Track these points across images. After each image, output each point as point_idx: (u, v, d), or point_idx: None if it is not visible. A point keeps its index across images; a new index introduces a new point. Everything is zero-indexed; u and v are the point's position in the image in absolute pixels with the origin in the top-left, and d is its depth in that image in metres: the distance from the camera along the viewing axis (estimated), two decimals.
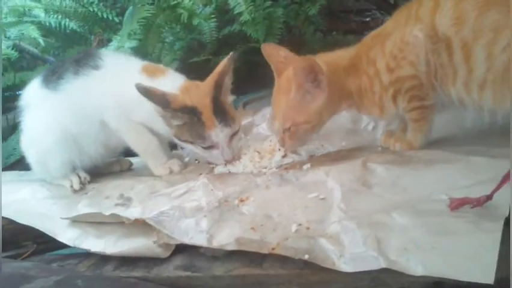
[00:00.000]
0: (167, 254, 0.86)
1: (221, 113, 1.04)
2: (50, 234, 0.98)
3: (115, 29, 1.87)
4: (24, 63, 2.07)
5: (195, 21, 1.62)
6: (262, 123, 1.38)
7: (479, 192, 0.70)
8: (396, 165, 0.88)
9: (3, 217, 0.99)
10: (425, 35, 0.86)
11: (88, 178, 1.19)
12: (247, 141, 1.26)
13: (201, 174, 1.07)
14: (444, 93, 0.89)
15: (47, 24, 1.95)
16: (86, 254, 0.95)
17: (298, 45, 1.75)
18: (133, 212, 0.97)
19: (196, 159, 1.22)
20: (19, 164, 1.44)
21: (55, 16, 1.94)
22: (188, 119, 1.04)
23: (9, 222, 1.03)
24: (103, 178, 1.22)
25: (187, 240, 0.83)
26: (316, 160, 1.03)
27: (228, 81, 1.08)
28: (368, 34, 0.99)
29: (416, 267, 0.63)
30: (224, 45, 1.73)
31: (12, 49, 1.95)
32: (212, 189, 0.95)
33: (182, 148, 1.27)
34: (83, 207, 1.06)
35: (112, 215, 0.93)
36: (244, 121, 1.37)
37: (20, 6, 2.00)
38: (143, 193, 1.03)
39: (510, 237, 0.64)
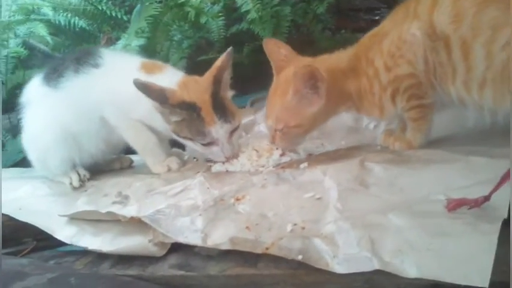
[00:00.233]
0: (162, 252, 0.86)
1: (221, 109, 1.03)
2: (48, 232, 0.98)
3: (124, 27, 1.86)
4: (35, 61, 2.07)
5: (203, 20, 1.61)
6: (263, 122, 1.37)
7: (478, 193, 0.69)
8: (394, 164, 0.87)
9: (3, 214, 0.99)
10: (423, 33, 0.84)
11: (88, 175, 1.19)
12: (247, 139, 1.25)
13: (198, 172, 1.06)
14: (443, 92, 0.87)
15: (57, 22, 1.96)
16: (84, 252, 0.94)
17: (307, 43, 1.74)
18: (130, 210, 0.96)
19: (194, 157, 1.22)
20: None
21: (64, 14, 1.95)
22: (187, 115, 1.03)
23: (9, 219, 1.03)
24: (102, 175, 1.22)
25: (182, 239, 0.82)
26: (314, 159, 1.02)
27: (227, 76, 1.07)
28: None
29: (410, 269, 0.62)
30: (232, 44, 1.71)
31: (22, 47, 1.97)
32: (208, 188, 0.94)
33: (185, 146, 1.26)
34: (82, 204, 1.07)
35: (108, 212, 0.93)
36: (246, 119, 1.36)
37: (28, 4, 2.01)
38: (141, 191, 1.03)
39: (510, 237, 0.62)
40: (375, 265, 0.64)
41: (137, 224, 0.89)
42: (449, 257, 0.61)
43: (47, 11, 1.99)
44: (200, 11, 1.62)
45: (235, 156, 1.07)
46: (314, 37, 1.74)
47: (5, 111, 1.58)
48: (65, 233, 0.97)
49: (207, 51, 1.71)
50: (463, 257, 0.60)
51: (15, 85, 1.78)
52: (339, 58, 0.98)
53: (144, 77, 1.06)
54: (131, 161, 1.31)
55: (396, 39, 0.87)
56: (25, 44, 2.01)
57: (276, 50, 0.98)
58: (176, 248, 0.86)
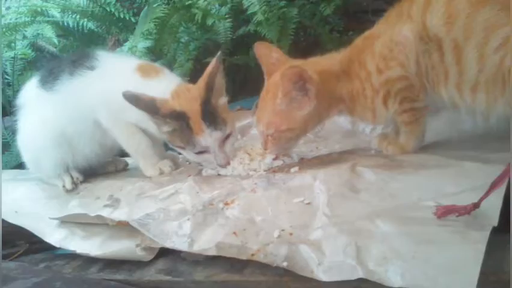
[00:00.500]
0: (150, 257, 0.85)
1: (210, 117, 1.02)
2: (38, 235, 0.98)
3: (132, 29, 1.87)
4: (44, 63, 2.07)
5: (209, 21, 1.61)
6: None
7: (470, 199, 0.67)
8: (385, 169, 0.85)
9: None
10: (416, 35, 0.82)
11: (81, 178, 1.19)
12: (243, 142, 1.24)
13: (189, 175, 1.05)
14: (436, 95, 0.85)
15: (65, 24, 1.98)
16: (75, 255, 0.94)
17: (314, 45, 1.73)
18: (120, 214, 0.96)
19: (187, 161, 1.21)
20: None
21: (73, 16, 1.96)
22: (177, 125, 1.02)
23: (2, 222, 1.03)
24: (95, 178, 1.22)
25: (169, 244, 0.81)
26: (305, 163, 1.00)
27: (220, 81, 1.06)
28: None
29: (395, 278, 0.60)
30: (239, 46, 1.73)
31: (30, 49, 1.98)
32: (197, 192, 0.93)
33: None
34: (73, 207, 1.06)
35: (97, 216, 0.92)
36: (244, 122, 1.35)
37: (36, 6, 2.02)
38: (132, 194, 1.02)
39: (510, 237, 0.61)
40: (360, 273, 0.62)
41: (126, 228, 0.88)
42: (434, 265, 0.59)
43: (55, 12, 2.00)
44: (207, 13, 1.62)
45: (229, 164, 1.05)
46: (321, 39, 1.72)
47: (11, 113, 1.58)
48: (55, 236, 0.97)
49: (213, 53, 1.69)
50: (449, 266, 0.58)
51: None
52: (331, 60, 0.96)
53: (139, 81, 1.07)
54: (126, 164, 1.31)
55: (388, 41, 0.85)
56: (34, 46, 2.02)
57: (267, 53, 0.96)
58: (165, 252, 0.85)
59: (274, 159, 1.03)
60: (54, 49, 2.09)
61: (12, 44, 2.02)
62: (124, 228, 0.89)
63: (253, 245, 0.74)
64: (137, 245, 0.85)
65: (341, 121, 1.18)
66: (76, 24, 1.97)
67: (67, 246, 0.93)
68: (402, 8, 0.86)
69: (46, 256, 1.01)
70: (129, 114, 1.08)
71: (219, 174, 1.05)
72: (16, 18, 2.07)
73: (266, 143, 0.99)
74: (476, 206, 0.65)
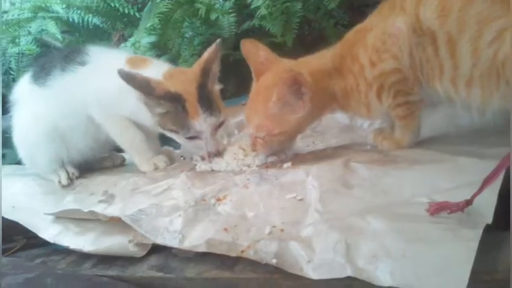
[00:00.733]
0: (142, 253, 0.84)
1: (206, 102, 1.00)
2: (33, 230, 0.98)
3: (137, 24, 1.86)
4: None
5: (213, 16, 1.59)
6: None
7: (464, 196, 0.65)
8: (379, 164, 0.83)
9: None
10: (409, 27, 0.80)
11: (76, 173, 1.18)
12: (240, 137, 1.23)
13: (183, 171, 1.04)
14: (430, 89, 0.82)
15: (70, 19, 1.98)
16: (70, 251, 0.94)
17: (318, 39, 1.71)
18: (114, 209, 0.95)
19: (181, 156, 1.20)
20: None
21: (78, 12, 1.96)
22: (171, 107, 1.00)
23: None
24: (91, 173, 1.21)
25: (160, 240, 0.80)
26: (299, 158, 0.99)
27: (216, 68, 1.05)
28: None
29: (384, 276, 0.58)
30: None
31: (35, 44, 1.98)
32: (189, 188, 0.92)
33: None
34: (68, 203, 1.06)
35: (90, 212, 0.92)
36: (241, 117, 1.33)
37: (41, 2, 2.02)
38: (126, 190, 1.02)
39: (510, 236, 0.60)
40: (348, 271, 0.61)
41: (119, 223, 0.88)
42: (425, 264, 0.57)
43: (58, 8, 2.00)
44: (210, 8, 1.61)
45: (218, 153, 1.04)
46: (326, 33, 1.70)
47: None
48: (49, 231, 0.97)
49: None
50: (439, 265, 0.57)
51: None
52: (322, 58, 0.93)
53: None
54: (124, 159, 1.30)
55: (380, 33, 0.83)
56: (39, 41, 2.02)
57: (254, 52, 0.94)
58: (158, 248, 0.84)
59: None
60: (60, 44, 2.09)
61: (17, 40, 2.02)
62: (117, 223, 0.89)
63: (244, 241, 0.73)
64: (129, 241, 0.85)
65: (338, 116, 1.16)
66: (81, 20, 1.97)
67: (61, 242, 0.93)
68: (395, 1, 0.83)
69: (43, 251, 1.01)
70: (122, 107, 1.08)
71: (212, 170, 1.03)
72: (19, 14, 2.08)
73: (255, 145, 0.98)
74: (468, 202, 0.63)
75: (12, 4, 2.19)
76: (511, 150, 0.62)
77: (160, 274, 0.80)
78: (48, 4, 2.01)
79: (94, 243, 0.89)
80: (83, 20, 1.96)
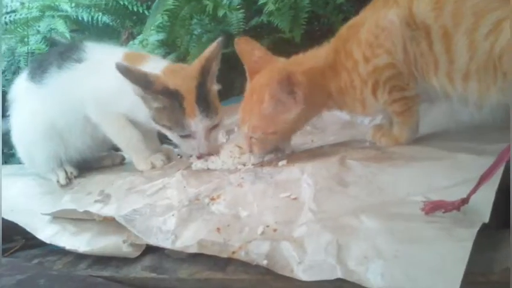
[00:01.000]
0: (136, 254, 0.83)
1: (204, 102, 0.99)
2: (31, 231, 0.97)
3: (146, 22, 1.86)
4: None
5: (220, 13, 1.57)
6: None
7: (461, 194, 0.63)
8: (375, 161, 0.81)
9: None
10: (402, 21, 0.77)
11: (75, 173, 1.18)
12: (239, 135, 1.21)
13: (179, 169, 1.03)
14: (426, 84, 0.80)
15: (80, 18, 1.98)
16: (66, 251, 0.93)
17: (328, 34, 1.68)
18: (109, 209, 0.95)
19: (178, 154, 1.18)
20: None
21: (88, 10, 1.96)
22: (168, 103, 0.99)
23: None
24: (90, 173, 1.21)
25: (153, 240, 0.80)
26: (294, 156, 0.97)
27: (215, 67, 1.03)
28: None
29: (375, 278, 0.56)
30: (252, 37, 1.68)
31: (44, 43, 1.98)
32: (185, 187, 0.91)
33: None
34: (66, 202, 1.06)
35: (85, 212, 0.91)
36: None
37: (49, 1, 2.03)
38: (122, 189, 1.01)
39: (510, 236, 0.57)
40: (338, 273, 0.59)
41: (115, 224, 0.87)
42: (417, 265, 0.55)
43: (67, 7, 2.01)
44: (218, 4, 1.59)
45: (210, 154, 1.03)
46: (335, 28, 1.68)
47: None
48: (46, 232, 0.96)
49: (227, 45, 1.68)
50: (432, 266, 0.55)
51: None
52: (315, 57, 0.91)
53: None
54: (123, 158, 1.29)
55: (373, 27, 0.80)
56: (49, 40, 2.03)
57: (249, 50, 0.91)
58: (152, 249, 0.83)
59: None
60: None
61: (26, 39, 2.03)
62: (112, 224, 0.88)
63: (236, 242, 0.71)
64: (124, 241, 0.84)
65: (339, 113, 1.13)
66: (90, 19, 1.97)
67: (57, 242, 0.93)
68: None
69: (40, 252, 1.01)
70: (119, 104, 1.07)
71: (208, 168, 1.02)
72: (26, 14, 2.09)
73: (250, 146, 0.96)
74: (464, 201, 0.60)
75: (22, 3, 2.20)
76: (511, 143, 0.60)
77: (153, 275, 0.79)
78: (57, 3, 2.01)
79: (89, 244, 0.88)
80: (92, 18, 1.97)
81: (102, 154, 1.27)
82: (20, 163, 1.37)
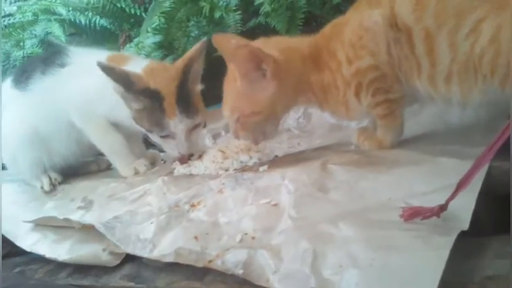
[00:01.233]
0: (116, 262, 0.82)
1: (184, 102, 0.98)
2: (11, 239, 0.96)
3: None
4: None
5: (217, 14, 1.57)
6: None
7: (441, 200, 0.61)
8: (357, 166, 0.79)
9: None
10: (385, 22, 0.75)
11: (59, 179, 1.17)
12: (227, 138, 1.19)
13: (161, 175, 1.01)
14: (410, 87, 0.77)
15: (77, 21, 1.97)
16: (48, 259, 0.92)
17: None
18: (92, 216, 0.93)
19: (162, 159, 1.17)
20: None
21: (85, 13, 1.95)
22: (148, 104, 0.98)
23: None
24: (75, 179, 1.20)
25: (130, 249, 0.78)
26: (276, 161, 0.95)
27: (198, 68, 1.02)
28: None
29: (349, 287, 0.54)
30: (250, 38, 1.67)
31: (39, 47, 1.98)
32: (165, 193, 0.89)
33: None
34: (49, 209, 1.05)
35: (65, 219, 0.90)
36: None
37: (44, 5, 2.02)
38: (104, 196, 1.00)
39: (510, 237, 0.55)
40: (312, 283, 0.57)
41: (96, 231, 0.85)
42: (392, 274, 0.53)
43: (62, 10, 2.00)
44: (214, 6, 1.58)
45: (191, 155, 1.02)
46: None
47: None
48: (28, 239, 0.95)
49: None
50: (406, 275, 0.53)
51: None
52: (299, 42, 0.89)
53: None
54: (110, 163, 1.27)
55: (357, 27, 0.78)
56: (46, 44, 2.02)
57: (226, 41, 0.87)
58: (132, 257, 0.81)
59: (250, 156, 0.97)
60: (67, 46, 2.08)
61: (21, 43, 2.02)
62: (92, 231, 0.86)
63: (213, 250, 0.70)
64: (103, 250, 0.82)
65: (326, 115, 1.12)
66: (88, 22, 1.96)
67: (38, 251, 0.92)
68: None
69: (23, 260, 0.99)
70: (101, 105, 1.05)
71: (191, 174, 1.00)
72: (20, 18, 2.08)
73: (236, 132, 0.93)
74: (443, 208, 0.58)
75: (19, 7, 2.19)
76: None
77: (131, 284, 0.77)
78: (53, 7, 2.01)
79: (69, 252, 0.87)
80: (90, 21, 1.96)
81: (88, 159, 1.26)
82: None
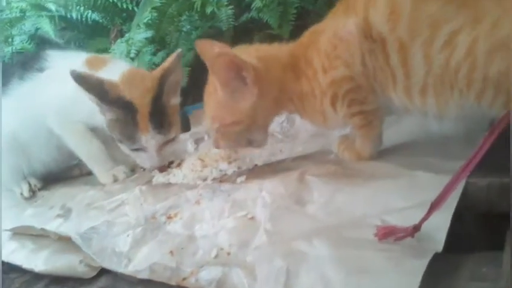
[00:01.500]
0: (92, 274, 0.80)
1: (158, 117, 0.96)
2: None
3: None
4: None
5: (208, 9, 1.54)
6: None
7: (416, 217, 0.60)
8: (334, 179, 0.78)
9: None
10: (360, 31, 0.73)
11: (39, 185, 1.15)
12: (209, 143, 1.17)
13: (139, 184, 1.00)
14: (386, 98, 0.76)
15: (68, 16, 1.93)
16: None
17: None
18: (70, 225, 0.92)
19: (141, 167, 1.15)
20: None
21: (77, 7, 1.92)
22: (121, 115, 0.96)
23: None
24: (55, 184, 1.18)
25: (106, 263, 0.77)
26: (255, 171, 0.93)
27: (176, 79, 1.00)
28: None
29: None
30: (242, 32, 1.66)
31: (29, 43, 1.95)
32: (142, 204, 0.88)
33: None
34: (28, 217, 1.03)
35: (42, 229, 0.88)
36: None
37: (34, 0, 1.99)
38: (82, 204, 0.98)
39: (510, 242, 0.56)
40: None
41: (71, 241, 0.84)
42: None
43: (51, 6, 1.96)
44: (206, 1, 1.55)
45: (163, 168, 1.01)
46: None
47: None
48: (5, 248, 0.93)
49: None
50: None
51: None
52: (279, 49, 0.87)
53: None
54: None
55: (332, 36, 0.76)
56: (38, 39, 1.99)
57: (209, 48, 0.86)
58: (108, 269, 0.80)
59: (229, 163, 0.96)
60: (59, 41, 2.06)
61: (10, 40, 1.99)
62: (70, 241, 0.85)
63: (188, 266, 0.68)
64: (80, 261, 0.81)
65: None
66: (79, 16, 1.92)
67: (14, 261, 0.90)
68: (349, 2, 0.76)
69: (3, 268, 0.98)
70: (78, 110, 1.03)
71: (169, 182, 0.99)
72: (7, 14, 2.04)
73: (217, 141, 0.91)
74: (416, 228, 0.58)
75: (8, 3, 2.16)
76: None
77: None
78: (43, 2, 1.97)
79: (45, 263, 0.85)
80: (81, 15, 1.92)
81: (70, 163, 1.24)
82: None
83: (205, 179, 0.94)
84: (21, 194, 1.13)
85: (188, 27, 1.70)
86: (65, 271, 0.82)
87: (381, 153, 0.85)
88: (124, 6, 1.86)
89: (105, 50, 1.80)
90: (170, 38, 1.68)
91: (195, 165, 0.97)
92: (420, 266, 0.54)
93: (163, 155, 1.01)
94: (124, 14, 1.93)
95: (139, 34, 1.60)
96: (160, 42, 1.70)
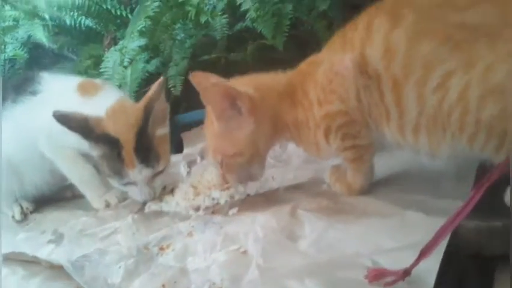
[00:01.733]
0: None
1: (144, 151, 0.96)
2: None
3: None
4: (47, 60, 2.09)
5: (203, 19, 1.55)
6: None
7: (406, 258, 0.60)
8: (326, 214, 0.78)
9: None
10: (356, 67, 0.73)
11: (31, 208, 1.15)
12: (202, 166, 1.18)
13: (131, 211, 1.00)
14: (380, 133, 0.77)
15: (62, 22, 1.93)
16: None
17: (312, 41, 1.65)
18: (61, 251, 0.92)
19: None
20: None
21: (70, 14, 1.91)
22: (107, 151, 0.96)
23: None
24: (47, 207, 1.17)
25: None
26: (247, 202, 0.93)
27: (161, 107, 1.00)
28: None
29: None
30: (237, 41, 1.68)
31: (22, 50, 1.94)
32: (134, 233, 0.88)
33: None
34: (20, 241, 1.02)
35: (33, 256, 0.88)
36: (203, 143, 1.28)
37: (28, 9, 1.98)
38: (74, 230, 0.98)
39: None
40: None
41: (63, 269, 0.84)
42: None
43: (45, 14, 1.96)
44: (200, 10, 1.56)
45: (155, 199, 1.01)
46: (319, 34, 1.64)
47: None
48: None
49: (210, 51, 1.66)
50: None
51: None
52: (276, 78, 0.88)
53: (79, 101, 1.02)
54: None
55: (328, 70, 0.77)
56: (33, 44, 1.99)
57: (204, 80, 0.87)
58: None
59: (223, 189, 0.96)
60: (53, 46, 2.05)
61: (2, 47, 1.98)
62: (61, 269, 0.85)
63: None
64: None
65: None
66: (73, 22, 1.93)
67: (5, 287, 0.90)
68: (346, 35, 0.77)
69: None
70: (70, 136, 1.02)
71: (162, 210, 0.99)
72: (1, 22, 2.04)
73: (223, 176, 0.92)
74: (407, 272, 0.58)
75: (1, 12, 2.15)
76: None
77: None
78: (36, 10, 1.96)
79: None
80: (75, 21, 1.92)
81: (63, 185, 1.23)
82: None
83: (197, 209, 0.94)
84: (13, 217, 1.12)
85: (183, 35, 1.71)
86: None
87: (374, 186, 0.86)
88: (118, 13, 1.86)
89: (98, 57, 1.80)
90: (164, 46, 1.69)
91: (187, 193, 0.97)
92: None
93: (154, 187, 1.01)
94: (118, 21, 1.93)
95: (132, 42, 1.61)
96: (153, 50, 1.71)
